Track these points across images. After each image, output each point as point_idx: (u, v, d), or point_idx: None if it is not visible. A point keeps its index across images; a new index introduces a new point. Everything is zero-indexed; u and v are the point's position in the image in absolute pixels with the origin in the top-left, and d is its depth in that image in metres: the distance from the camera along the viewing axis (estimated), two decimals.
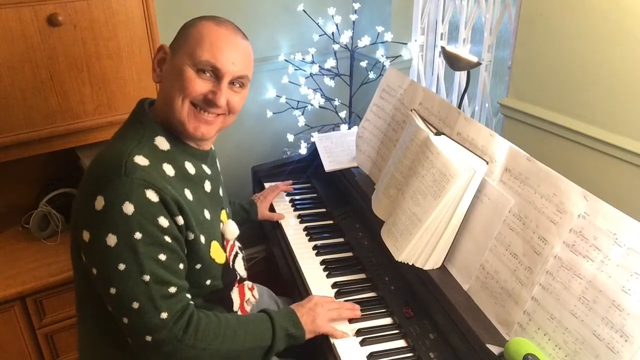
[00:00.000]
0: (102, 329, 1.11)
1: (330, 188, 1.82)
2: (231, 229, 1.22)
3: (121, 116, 1.73)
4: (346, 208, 1.69)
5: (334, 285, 1.39)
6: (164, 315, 0.99)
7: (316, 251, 1.54)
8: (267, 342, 1.13)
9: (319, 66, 2.28)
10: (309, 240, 1.60)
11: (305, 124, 2.35)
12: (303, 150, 2.20)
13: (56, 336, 1.73)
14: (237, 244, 1.32)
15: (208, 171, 1.18)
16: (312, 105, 2.32)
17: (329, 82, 2.33)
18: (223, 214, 1.23)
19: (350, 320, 1.28)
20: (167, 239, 1.00)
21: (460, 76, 2.33)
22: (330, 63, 2.25)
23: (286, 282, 1.51)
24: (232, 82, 1.09)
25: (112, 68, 1.67)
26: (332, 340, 1.22)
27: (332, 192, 1.80)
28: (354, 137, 1.79)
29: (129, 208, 0.95)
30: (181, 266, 1.04)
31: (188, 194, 1.08)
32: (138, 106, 1.15)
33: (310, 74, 2.29)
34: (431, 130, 1.36)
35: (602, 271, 0.94)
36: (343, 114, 2.40)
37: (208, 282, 1.14)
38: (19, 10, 1.48)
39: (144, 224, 0.96)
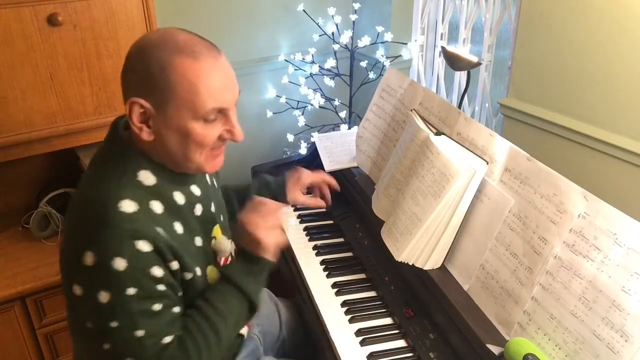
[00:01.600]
0: None
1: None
2: (223, 247, 1.15)
3: None
4: (346, 208, 1.69)
5: (334, 285, 1.39)
6: None
7: (316, 251, 1.54)
8: (245, 307, 1.07)
9: (319, 66, 2.28)
10: (309, 240, 1.60)
11: (305, 124, 2.35)
12: (303, 150, 2.20)
13: (56, 336, 1.73)
14: (232, 247, 1.24)
15: (198, 192, 1.10)
16: (312, 105, 2.32)
17: (329, 82, 2.33)
18: (216, 230, 1.15)
19: (351, 320, 1.28)
20: (161, 287, 0.95)
21: (460, 76, 2.33)
22: (330, 63, 2.25)
23: (286, 282, 1.51)
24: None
25: (112, 68, 1.67)
26: (332, 340, 1.22)
27: (332, 192, 1.80)
28: (354, 137, 1.78)
29: (120, 264, 0.89)
30: (176, 309, 0.99)
31: (178, 227, 1.02)
32: (113, 130, 1.04)
33: (310, 74, 2.29)
34: (431, 130, 1.36)
35: (602, 271, 0.94)
36: (343, 114, 2.40)
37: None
38: (19, 10, 1.48)
39: (137, 277, 0.91)
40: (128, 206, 0.92)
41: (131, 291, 0.90)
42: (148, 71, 0.92)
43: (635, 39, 1.37)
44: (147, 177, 0.99)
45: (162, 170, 1.01)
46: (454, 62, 1.57)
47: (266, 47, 2.34)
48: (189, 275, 1.01)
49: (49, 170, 1.95)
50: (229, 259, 1.19)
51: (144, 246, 0.91)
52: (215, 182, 1.25)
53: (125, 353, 0.93)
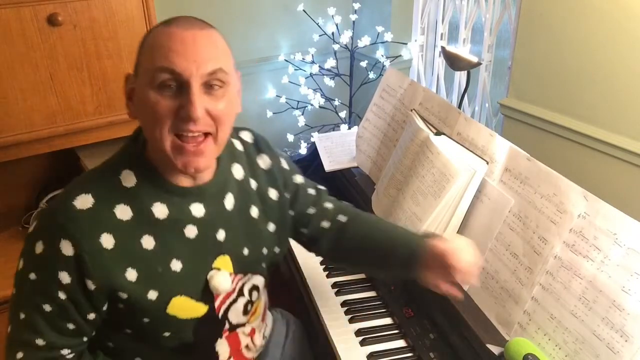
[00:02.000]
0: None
1: (330, 188, 1.82)
2: (218, 283, 1.00)
3: (121, 116, 1.73)
4: None
5: (334, 285, 1.40)
6: (19, 355, 0.91)
7: None
8: None
9: (319, 66, 2.28)
10: None
11: (305, 124, 2.35)
12: (303, 150, 2.20)
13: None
14: (250, 283, 1.10)
15: (199, 212, 0.97)
16: (312, 105, 2.32)
17: (329, 82, 2.33)
18: (220, 261, 1.02)
19: (351, 320, 1.28)
20: (61, 294, 0.89)
21: (460, 76, 2.33)
22: (330, 63, 2.25)
23: (286, 282, 1.51)
24: (207, 86, 0.87)
25: (112, 68, 1.67)
26: (332, 341, 1.22)
27: (332, 192, 1.80)
28: (354, 137, 1.79)
29: (38, 247, 0.88)
30: (69, 325, 0.92)
31: (148, 242, 0.92)
32: (135, 133, 1.00)
33: (310, 74, 2.29)
34: (431, 130, 1.36)
35: (602, 271, 0.94)
36: (343, 114, 2.40)
37: (167, 334, 0.99)
38: (19, 10, 1.48)
39: (42, 269, 0.89)
40: (83, 202, 0.89)
41: (32, 276, 0.90)
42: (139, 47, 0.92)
43: (635, 39, 1.37)
44: (127, 177, 0.93)
45: (152, 175, 0.94)
46: (454, 62, 1.57)
47: (266, 47, 2.34)
48: (123, 295, 0.91)
49: (49, 170, 1.95)
50: (233, 293, 1.06)
51: (66, 247, 0.87)
52: (255, 211, 1.09)
53: (9, 319, 0.94)
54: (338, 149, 1.88)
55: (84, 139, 1.71)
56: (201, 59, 0.86)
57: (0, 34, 1.48)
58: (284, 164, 1.17)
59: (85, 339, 0.96)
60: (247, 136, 1.15)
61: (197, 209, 0.98)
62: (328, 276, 1.43)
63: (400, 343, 1.22)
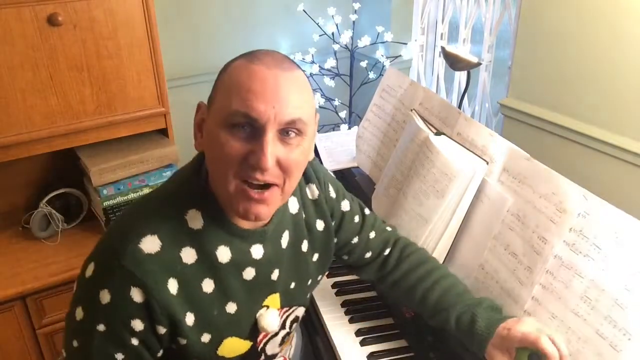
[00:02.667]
0: None
1: None
2: (268, 323, 0.97)
3: (121, 116, 1.73)
4: None
5: (334, 285, 1.39)
6: None
7: None
8: None
9: (319, 66, 2.28)
10: None
11: None
12: None
13: (56, 336, 1.73)
14: (293, 315, 1.08)
15: (258, 254, 0.94)
16: None
17: (329, 82, 2.33)
18: (271, 300, 0.99)
19: (351, 320, 1.28)
20: (134, 341, 0.85)
21: (460, 76, 2.33)
22: (330, 63, 2.25)
23: None
24: (283, 134, 0.80)
25: (112, 68, 1.67)
26: (332, 340, 1.22)
27: None
28: (354, 137, 1.78)
29: (105, 297, 0.81)
30: None
31: (208, 285, 0.89)
32: (195, 162, 0.93)
33: (310, 74, 2.29)
34: (431, 130, 1.36)
35: (604, 270, 0.94)
36: (343, 114, 2.40)
37: None
38: (19, 10, 1.48)
39: (112, 319, 0.83)
40: (150, 244, 0.83)
41: (101, 327, 0.83)
42: (217, 77, 0.86)
43: (635, 39, 1.37)
44: (194, 219, 0.87)
45: (217, 216, 0.89)
46: (453, 62, 1.57)
47: (266, 47, 2.34)
48: (182, 341, 0.89)
49: (49, 170, 1.95)
50: (268, 336, 1.04)
51: (136, 295, 0.82)
52: (305, 245, 1.05)
53: None
54: (338, 149, 1.88)
55: (84, 139, 1.72)
56: (281, 104, 0.78)
57: (0, 34, 1.48)
58: (332, 192, 1.11)
59: None
60: None
61: (257, 251, 0.94)
62: (328, 276, 1.43)
63: (400, 343, 1.22)
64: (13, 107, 1.56)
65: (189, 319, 0.88)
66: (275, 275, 0.98)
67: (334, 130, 2.33)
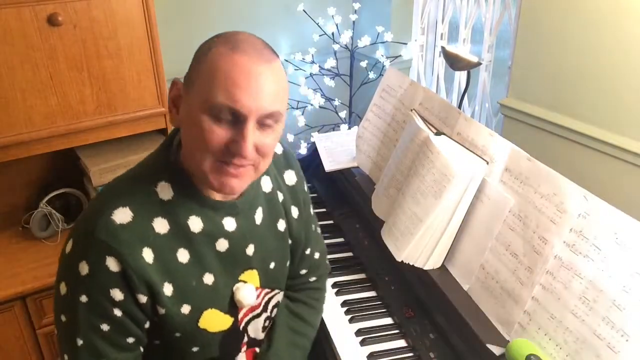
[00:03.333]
0: None
1: (330, 188, 1.82)
2: (243, 296, 1.01)
3: (121, 116, 1.73)
4: (346, 208, 1.69)
5: (334, 285, 1.39)
6: None
7: None
8: None
9: (319, 66, 2.28)
10: None
11: (305, 124, 2.35)
12: (303, 150, 2.20)
13: (56, 336, 1.73)
14: (275, 300, 1.12)
15: (231, 227, 0.97)
16: (312, 105, 2.32)
17: (329, 82, 2.34)
18: (247, 275, 1.03)
19: (351, 320, 1.28)
20: (117, 311, 0.88)
21: (460, 76, 2.33)
22: (330, 63, 2.25)
23: None
24: (261, 123, 0.86)
25: (112, 68, 1.67)
26: (332, 340, 1.22)
27: (332, 192, 1.80)
28: (354, 137, 1.78)
29: (83, 268, 0.85)
30: (129, 340, 0.92)
31: (182, 255, 0.92)
32: (167, 139, 0.98)
33: (310, 74, 2.29)
34: (431, 130, 1.36)
35: (603, 270, 0.94)
36: (343, 114, 2.40)
37: (195, 349, 1.00)
38: (19, 10, 1.48)
39: (92, 290, 0.86)
40: (122, 215, 0.87)
41: (83, 299, 0.86)
42: (194, 56, 0.89)
43: (636, 39, 1.37)
44: (164, 190, 0.91)
45: (187, 188, 0.92)
46: (453, 62, 1.57)
47: None
48: (162, 310, 0.91)
49: (49, 170, 1.95)
50: (258, 308, 1.08)
51: (112, 264, 0.85)
52: (282, 225, 1.09)
53: (64, 349, 0.91)
54: (338, 149, 1.88)
55: (84, 139, 1.71)
56: (263, 98, 0.83)
57: (0, 34, 1.48)
58: (305, 185, 1.16)
59: (142, 348, 0.96)
60: (277, 148, 1.11)
61: (229, 223, 0.97)
62: (328, 276, 1.43)
63: (400, 343, 1.22)
64: (13, 107, 1.56)
65: (167, 289, 0.91)
66: (250, 250, 1.02)
67: (334, 130, 2.33)
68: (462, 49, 1.88)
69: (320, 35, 2.27)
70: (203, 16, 2.22)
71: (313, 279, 1.24)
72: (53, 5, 1.52)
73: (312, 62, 2.28)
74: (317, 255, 1.23)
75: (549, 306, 1.01)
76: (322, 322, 1.28)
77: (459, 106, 1.67)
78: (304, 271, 1.20)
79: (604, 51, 1.45)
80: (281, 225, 1.09)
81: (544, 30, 1.62)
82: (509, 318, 1.07)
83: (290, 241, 1.13)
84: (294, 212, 1.12)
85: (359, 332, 1.24)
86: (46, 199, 1.80)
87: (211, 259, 0.96)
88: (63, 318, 0.89)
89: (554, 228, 1.02)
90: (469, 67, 1.55)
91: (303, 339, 1.17)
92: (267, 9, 2.32)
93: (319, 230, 1.25)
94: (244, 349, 1.09)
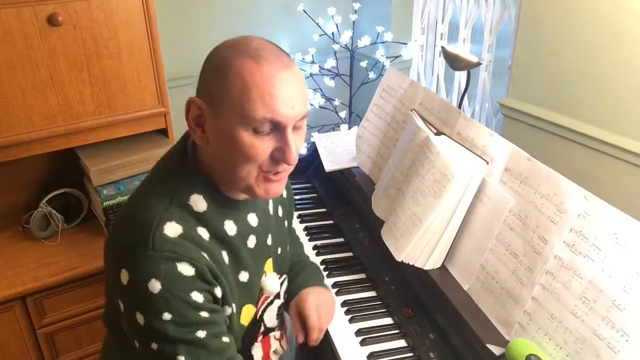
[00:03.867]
0: None
1: (330, 188, 1.82)
2: (270, 284, 1.05)
3: (121, 116, 1.73)
4: (346, 208, 1.69)
5: (334, 285, 1.39)
6: None
7: (316, 251, 1.54)
8: None
9: (319, 66, 2.28)
10: (309, 240, 1.60)
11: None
12: (303, 150, 2.20)
13: (56, 336, 1.73)
14: (285, 285, 1.17)
15: (254, 222, 1.01)
16: (312, 105, 2.32)
17: (329, 82, 2.34)
18: (268, 264, 1.07)
19: (351, 320, 1.28)
20: (204, 314, 0.87)
21: (460, 76, 2.33)
22: (330, 63, 2.25)
23: None
24: (295, 126, 0.89)
25: (112, 68, 1.67)
26: (332, 340, 1.22)
27: (332, 192, 1.80)
28: (354, 137, 1.78)
29: (155, 286, 0.82)
30: (225, 339, 0.91)
31: (225, 257, 0.95)
32: (180, 146, 0.97)
33: (310, 74, 2.29)
34: (431, 130, 1.36)
35: (603, 271, 0.94)
36: (343, 114, 2.40)
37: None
38: (19, 10, 1.48)
39: (172, 303, 0.84)
40: (172, 230, 0.87)
41: (167, 316, 0.84)
42: (210, 70, 0.88)
43: (635, 39, 1.37)
44: (198, 202, 0.92)
45: (216, 195, 0.94)
46: (453, 62, 1.57)
47: None
48: (228, 310, 0.94)
49: (49, 170, 1.95)
50: (266, 300, 1.10)
51: (184, 269, 0.84)
52: (280, 211, 1.13)
53: None
54: (338, 149, 1.88)
55: (84, 139, 1.71)
56: (298, 103, 0.87)
57: (0, 34, 1.48)
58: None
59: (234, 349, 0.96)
60: None
61: (253, 219, 1.01)
62: (328, 276, 1.43)
63: (400, 343, 1.22)
64: (13, 107, 1.56)
65: (218, 291, 0.92)
66: (269, 240, 1.07)
67: (334, 130, 2.33)
68: (462, 49, 1.88)
69: (320, 35, 2.27)
70: (203, 16, 2.22)
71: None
72: (53, 5, 1.51)
73: (312, 62, 2.28)
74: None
75: (549, 306, 1.01)
76: None
77: (459, 106, 1.67)
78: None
79: (604, 51, 1.45)
80: (280, 211, 1.13)
81: (544, 30, 1.62)
82: (509, 318, 1.07)
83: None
84: (284, 193, 1.17)
85: (359, 332, 1.24)
86: (46, 199, 1.80)
87: (246, 256, 0.99)
88: (154, 346, 0.86)
89: (554, 228, 1.03)
90: (469, 67, 1.55)
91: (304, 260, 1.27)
92: (267, 9, 2.32)
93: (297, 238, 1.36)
94: (260, 337, 1.11)
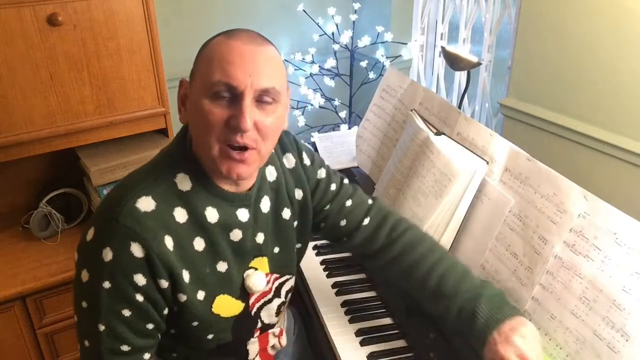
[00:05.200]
0: None
1: None
2: (254, 282, 1.04)
3: (121, 116, 1.73)
4: None
5: (334, 285, 1.40)
6: None
7: (316, 251, 1.54)
8: None
9: (319, 66, 2.28)
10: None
11: (305, 124, 2.35)
12: None
13: (56, 336, 1.73)
14: (288, 285, 1.15)
15: (244, 217, 1.00)
16: (312, 105, 2.32)
17: (329, 82, 2.34)
18: (257, 262, 1.06)
19: (351, 320, 1.28)
20: (139, 297, 0.90)
21: (460, 76, 2.33)
22: (330, 63, 2.25)
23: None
24: (259, 100, 0.89)
25: (112, 68, 1.67)
26: (332, 340, 1.22)
27: None
28: (354, 137, 1.79)
29: (107, 254, 0.87)
30: (149, 326, 0.94)
31: (198, 243, 0.95)
32: (181, 132, 1.01)
33: (310, 74, 2.29)
34: (431, 130, 1.36)
35: (603, 271, 0.94)
36: (343, 114, 2.40)
37: (210, 336, 1.02)
38: (19, 10, 1.48)
39: (116, 276, 0.88)
40: (145, 203, 0.90)
41: (106, 285, 0.88)
42: (197, 55, 0.94)
43: (635, 39, 1.37)
44: (183, 181, 0.94)
45: (204, 180, 0.95)
46: (454, 62, 1.57)
47: None
48: (183, 297, 0.94)
49: (49, 170, 1.95)
50: (269, 294, 1.10)
51: (136, 250, 0.88)
52: (286, 212, 1.10)
53: (85, 335, 0.93)
54: (338, 149, 1.88)
55: (84, 139, 1.71)
56: (257, 73, 0.88)
57: (0, 34, 1.48)
58: (306, 160, 1.16)
59: (159, 336, 0.98)
60: None
61: (243, 214, 1.00)
62: (328, 276, 1.43)
63: (400, 343, 1.22)
64: (13, 107, 1.56)
65: (185, 275, 0.93)
66: (260, 238, 1.05)
67: (334, 130, 2.33)
68: (462, 49, 1.88)
69: (320, 35, 2.27)
70: (203, 16, 2.21)
71: (367, 220, 1.19)
72: (53, 5, 1.51)
73: (312, 62, 2.28)
74: (348, 202, 1.20)
75: (549, 306, 1.01)
76: (322, 322, 1.28)
77: (459, 106, 1.67)
78: (366, 220, 1.19)
79: (604, 51, 1.45)
80: (286, 213, 1.10)
81: (544, 30, 1.62)
82: None
83: (314, 221, 1.16)
84: (298, 194, 1.13)
85: (359, 332, 1.24)
86: (46, 199, 1.80)
87: (225, 247, 0.99)
88: (84, 304, 0.91)
89: (554, 228, 1.03)
90: (469, 67, 1.55)
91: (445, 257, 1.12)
92: (267, 9, 2.32)
93: (345, 180, 1.23)
94: (257, 334, 1.11)
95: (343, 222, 1.19)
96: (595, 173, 1.54)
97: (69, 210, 1.86)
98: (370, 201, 1.22)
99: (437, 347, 1.16)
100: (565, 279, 0.99)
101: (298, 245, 1.17)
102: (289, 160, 1.13)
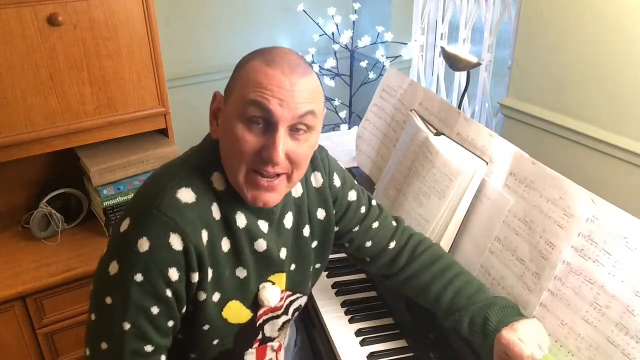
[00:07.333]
0: None
1: None
2: (267, 296, 1.01)
3: (121, 116, 1.73)
4: None
5: (334, 285, 1.40)
6: None
7: None
8: None
9: (319, 66, 2.28)
10: None
11: None
12: None
13: (56, 336, 1.73)
14: (297, 304, 1.12)
15: (264, 228, 0.99)
16: None
17: (329, 82, 2.34)
18: (276, 277, 1.03)
19: (351, 320, 1.28)
20: (168, 292, 0.87)
21: (460, 76, 2.33)
22: (330, 63, 2.25)
23: None
24: (293, 129, 0.87)
25: (112, 68, 1.66)
26: (332, 340, 1.22)
27: None
28: (354, 137, 1.79)
29: (143, 245, 0.84)
30: (170, 323, 0.91)
31: (225, 244, 0.94)
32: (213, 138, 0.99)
33: None
34: (431, 131, 1.36)
35: (614, 276, 0.92)
36: (343, 114, 2.40)
37: (215, 342, 1.00)
38: (19, 10, 1.48)
39: (150, 268, 0.84)
40: (186, 195, 0.88)
41: (138, 277, 0.84)
42: (234, 68, 0.92)
43: (636, 39, 1.37)
44: (218, 180, 0.93)
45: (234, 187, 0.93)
46: (453, 62, 1.57)
47: None
48: (203, 296, 0.92)
49: (49, 170, 1.94)
50: (279, 310, 1.08)
51: (175, 242, 0.85)
52: (307, 230, 1.08)
53: (103, 336, 0.87)
54: (338, 149, 1.88)
55: (84, 139, 1.71)
56: (294, 106, 0.85)
57: (0, 34, 1.48)
58: (336, 181, 1.13)
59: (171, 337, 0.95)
60: None
61: (263, 226, 0.99)
62: (328, 276, 1.43)
63: (400, 343, 1.22)
64: (13, 107, 1.56)
65: (209, 274, 0.92)
66: (283, 254, 1.03)
67: (334, 130, 2.33)
68: (462, 49, 1.88)
69: (320, 35, 2.27)
70: (203, 16, 2.21)
71: (393, 243, 1.19)
72: (53, 5, 1.51)
73: (312, 62, 2.28)
74: (375, 224, 1.19)
75: (558, 312, 0.99)
76: (322, 322, 1.28)
77: (459, 106, 1.67)
78: (392, 244, 1.18)
79: (604, 51, 1.45)
80: (306, 231, 1.09)
81: (544, 30, 1.62)
82: None
83: (335, 229, 1.13)
84: (320, 214, 1.10)
85: (359, 332, 1.24)
86: (46, 199, 1.80)
87: (248, 255, 0.97)
88: (109, 300, 0.86)
89: (561, 233, 1.01)
90: (469, 67, 1.55)
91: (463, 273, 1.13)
92: (267, 9, 2.32)
93: (373, 201, 1.21)
94: (256, 345, 1.10)
95: (368, 244, 1.19)
96: (595, 173, 1.54)
97: (69, 210, 1.86)
98: (394, 223, 1.22)
99: (437, 347, 1.16)
100: (575, 285, 0.97)
101: (317, 266, 1.15)
102: (317, 179, 1.10)
